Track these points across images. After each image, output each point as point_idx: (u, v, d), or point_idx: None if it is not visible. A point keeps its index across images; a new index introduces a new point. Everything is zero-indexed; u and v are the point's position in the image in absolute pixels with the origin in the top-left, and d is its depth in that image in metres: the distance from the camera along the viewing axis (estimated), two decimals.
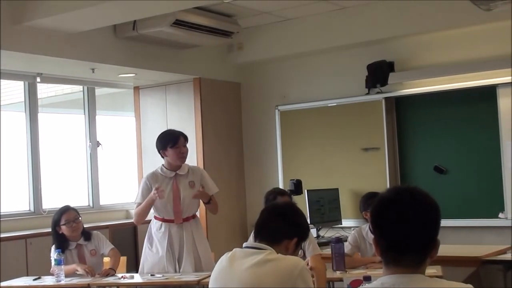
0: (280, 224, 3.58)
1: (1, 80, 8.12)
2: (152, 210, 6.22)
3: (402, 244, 2.28)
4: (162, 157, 6.21)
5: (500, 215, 7.68)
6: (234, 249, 3.53)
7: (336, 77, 8.89)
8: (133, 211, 6.82)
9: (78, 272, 5.94)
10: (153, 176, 6.19)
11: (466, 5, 6.87)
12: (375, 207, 2.37)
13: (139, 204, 6.17)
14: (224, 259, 3.52)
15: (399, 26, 8.12)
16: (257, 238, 3.55)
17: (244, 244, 3.55)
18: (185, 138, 6.21)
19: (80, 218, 6.20)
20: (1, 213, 7.85)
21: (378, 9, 8.18)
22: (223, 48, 9.33)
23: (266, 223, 3.60)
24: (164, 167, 6.20)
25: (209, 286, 3.55)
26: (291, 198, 6.01)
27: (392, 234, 2.29)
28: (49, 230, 6.28)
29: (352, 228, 6.76)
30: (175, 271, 6.01)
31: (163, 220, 6.13)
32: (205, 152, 8.98)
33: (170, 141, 6.11)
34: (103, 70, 8.26)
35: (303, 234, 3.69)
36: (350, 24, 8.40)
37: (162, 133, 6.32)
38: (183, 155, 6.14)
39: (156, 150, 6.26)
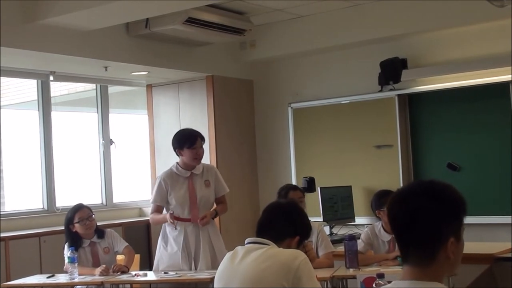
0: (283, 223, 3.63)
1: (15, 78, 8.19)
2: (165, 209, 6.23)
3: (408, 236, 2.24)
4: (178, 155, 6.21)
5: None
6: (236, 247, 3.57)
7: (349, 74, 8.88)
8: (146, 209, 6.85)
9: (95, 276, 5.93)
10: (169, 175, 6.18)
11: (479, 1, 6.85)
12: (390, 199, 2.33)
13: (156, 205, 6.19)
14: (226, 257, 3.58)
15: (412, 23, 8.10)
16: (259, 236, 3.58)
17: (247, 240, 3.59)
18: (202, 139, 6.19)
19: (93, 216, 6.21)
20: (15, 211, 7.91)
21: (390, 6, 8.16)
22: (235, 46, 9.33)
23: (269, 222, 3.65)
24: (180, 166, 6.19)
25: (214, 286, 3.59)
26: (303, 194, 6.04)
27: (401, 226, 2.27)
28: (63, 228, 6.29)
29: (365, 226, 6.76)
30: (191, 270, 6.01)
31: (179, 219, 6.11)
32: (218, 150, 8.98)
33: (187, 142, 6.09)
34: (116, 68, 8.28)
35: (306, 232, 3.75)
36: (362, 21, 8.39)
37: (179, 132, 6.31)
38: (199, 157, 6.13)
39: (169, 148, 6.27)
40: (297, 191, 5.99)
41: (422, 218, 2.21)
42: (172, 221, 5.95)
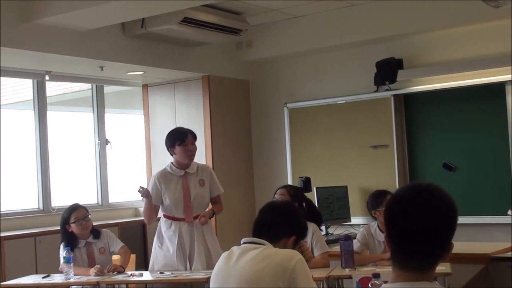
0: (279, 223, 3.62)
1: (10, 78, 8.16)
2: (160, 209, 6.23)
3: (411, 246, 2.16)
4: (171, 155, 6.21)
5: (509, 212, 7.63)
6: (231, 247, 3.57)
7: (345, 75, 8.88)
8: (141, 209, 6.84)
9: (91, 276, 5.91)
10: (163, 175, 6.18)
11: (474, 2, 6.86)
12: (388, 205, 2.25)
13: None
14: (222, 257, 3.58)
15: (408, 23, 8.10)
16: (255, 236, 3.59)
17: (243, 240, 3.59)
18: (194, 136, 6.19)
19: (89, 216, 6.20)
20: (11, 211, 7.89)
21: (386, 7, 8.17)
22: (231, 46, 9.33)
23: (265, 222, 3.66)
24: (174, 165, 6.19)
25: (210, 286, 3.59)
26: (289, 193, 5.95)
27: (402, 235, 2.18)
28: (58, 228, 6.29)
29: (361, 226, 6.75)
30: (186, 269, 6.01)
31: (173, 218, 6.12)
32: (214, 150, 8.98)
33: (178, 139, 6.10)
34: (112, 68, 8.27)
35: (302, 232, 3.77)
36: (359, 21, 8.39)
37: (171, 130, 6.33)
38: (190, 153, 6.13)
39: (164, 147, 6.27)
40: (284, 189, 5.98)
41: (428, 227, 2.15)
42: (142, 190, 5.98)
